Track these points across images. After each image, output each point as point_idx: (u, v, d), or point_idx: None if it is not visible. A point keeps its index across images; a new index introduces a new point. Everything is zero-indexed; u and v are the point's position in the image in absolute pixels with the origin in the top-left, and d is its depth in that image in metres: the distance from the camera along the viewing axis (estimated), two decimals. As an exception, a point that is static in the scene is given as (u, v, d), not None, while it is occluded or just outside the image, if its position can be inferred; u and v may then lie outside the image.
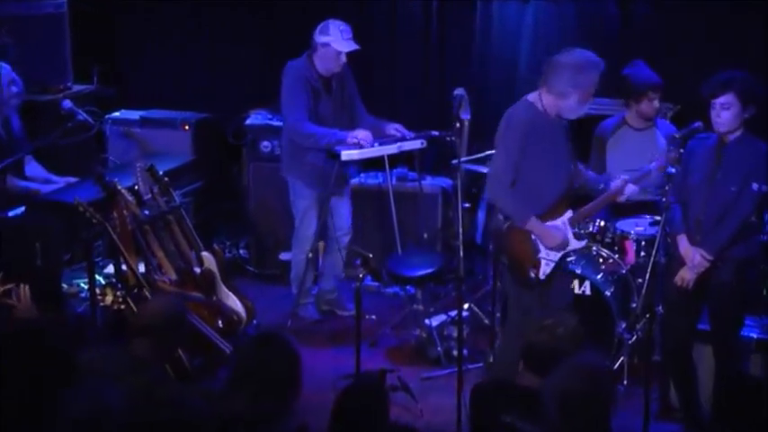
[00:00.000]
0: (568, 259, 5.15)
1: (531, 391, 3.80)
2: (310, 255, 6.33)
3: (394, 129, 6.28)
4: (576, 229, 5.18)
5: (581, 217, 5.19)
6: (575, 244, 5.09)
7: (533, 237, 4.99)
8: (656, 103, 5.96)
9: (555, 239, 4.97)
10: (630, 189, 5.20)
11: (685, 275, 5.03)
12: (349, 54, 6.08)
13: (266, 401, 3.51)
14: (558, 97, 4.88)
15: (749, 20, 6.60)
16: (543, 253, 4.99)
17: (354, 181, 6.69)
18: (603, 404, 3.47)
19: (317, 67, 6.11)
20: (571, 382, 3.45)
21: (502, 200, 5.03)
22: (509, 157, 4.91)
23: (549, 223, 4.99)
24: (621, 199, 5.26)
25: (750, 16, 6.59)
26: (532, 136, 4.88)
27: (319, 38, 6.07)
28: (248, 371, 3.57)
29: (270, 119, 7.13)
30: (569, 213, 5.05)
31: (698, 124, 5.11)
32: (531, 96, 4.98)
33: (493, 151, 5.42)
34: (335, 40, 6.02)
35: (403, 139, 6.22)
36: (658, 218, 5.40)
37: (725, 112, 4.87)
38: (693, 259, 5.00)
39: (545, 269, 5.01)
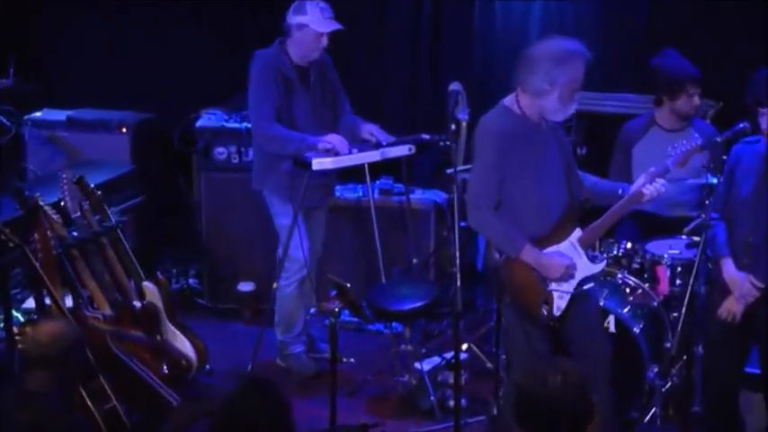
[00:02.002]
0: (585, 287, 5.11)
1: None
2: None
3: (367, 131, 6.23)
4: (591, 251, 5.12)
5: (594, 234, 5.11)
6: (589, 268, 5.04)
7: None
8: (697, 100, 5.97)
9: (557, 269, 4.93)
10: (651, 190, 5.02)
11: (732, 308, 5.02)
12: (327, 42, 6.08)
13: None
14: (534, 96, 4.86)
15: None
16: (554, 284, 4.97)
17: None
18: None
19: (291, 54, 6.10)
20: None
21: (487, 228, 5.01)
22: (489, 175, 4.88)
23: (548, 250, 4.95)
24: (646, 200, 5.13)
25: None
26: (512, 147, 4.86)
27: (294, 18, 6.05)
28: (234, 423, 3.66)
29: (225, 120, 7.12)
30: (577, 233, 5.01)
31: (743, 125, 5.11)
32: (507, 100, 4.97)
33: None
34: (314, 19, 6.01)
35: (378, 145, 6.17)
36: (697, 238, 5.39)
37: None
38: (741, 288, 4.98)
39: (559, 303, 4.97)
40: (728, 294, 5.04)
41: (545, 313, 4.96)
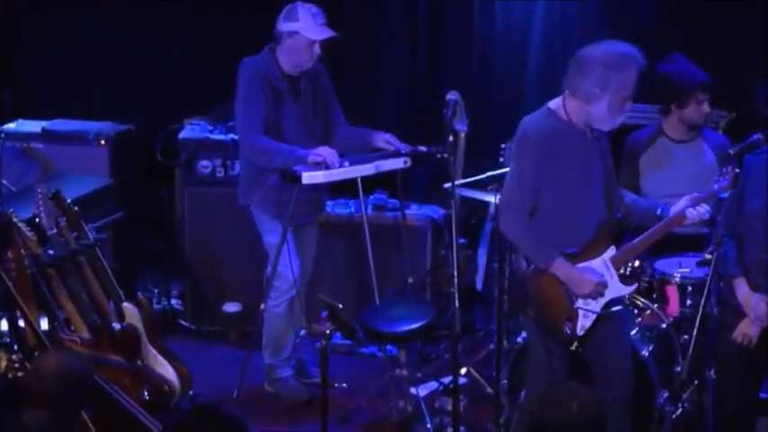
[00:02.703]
0: (613, 309, 5.11)
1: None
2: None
3: (383, 140, 6.22)
4: (623, 270, 5.12)
5: (628, 254, 5.13)
6: (620, 289, 5.06)
7: None
8: (706, 107, 5.98)
9: (588, 285, 4.95)
10: (694, 215, 5.06)
11: (746, 330, 5.03)
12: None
13: None
14: (584, 102, 4.89)
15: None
16: (580, 302, 4.99)
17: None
18: None
19: (281, 63, 6.09)
20: None
21: (518, 235, 5.02)
22: (525, 181, 4.91)
23: (581, 265, 4.98)
24: (687, 224, 5.14)
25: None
26: (554, 152, 4.88)
27: (285, 25, 6.05)
28: None
29: (210, 131, 7.11)
30: (611, 251, 5.04)
31: (757, 137, 5.11)
32: (554, 103, 4.99)
33: (498, 172, 5.43)
34: (306, 26, 6.00)
35: (397, 153, 6.14)
36: (709, 256, 5.40)
37: None
38: (756, 309, 4.99)
39: (583, 322, 4.99)
40: (742, 316, 5.05)
41: (567, 331, 4.98)
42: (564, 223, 4.94)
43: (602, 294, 4.98)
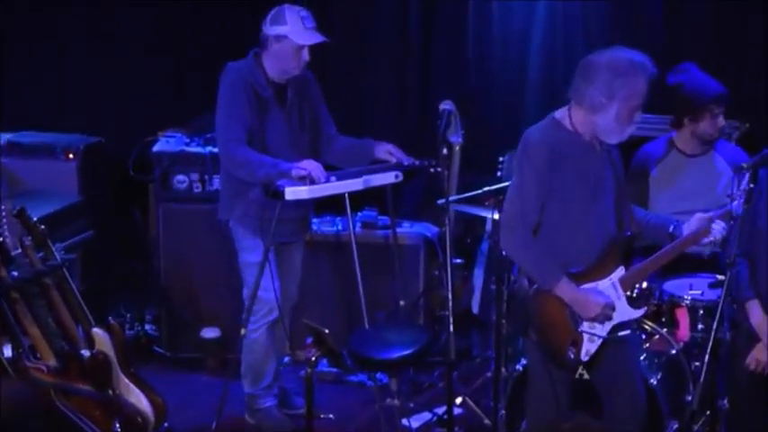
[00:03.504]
0: (621, 333, 5.09)
1: None
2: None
3: (385, 151, 6.23)
4: (631, 293, 5.13)
5: (638, 275, 5.11)
6: (628, 313, 5.04)
7: None
8: (721, 120, 5.99)
9: (593, 308, 4.95)
10: (712, 232, 5.06)
11: (760, 356, 5.03)
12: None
13: None
14: (590, 111, 4.89)
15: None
16: (586, 325, 4.98)
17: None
18: None
19: (267, 69, 6.09)
20: None
21: (520, 254, 5.02)
22: (528, 195, 4.91)
23: (587, 285, 4.98)
24: (703, 244, 5.14)
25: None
26: (559, 165, 4.88)
27: (272, 29, 6.04)
28: None
29: (186, 144, 7.11)
30: (620, 271, 5.04)
31: (772, 149, 5.14)
32: (559, 113, 4.99)
33: (496, 186, 5.42)
34: (294, 30, 6.00)
35: (399, 165, 6.12)
36: (721, 277, 5.40)
37: None
38: (770, 333, 5.01)
39: (588, 347, 4.98)
40: (756, 341, 5.05)
41: (571, 356, 4.97)
42: (569, 240, 4.94)
43: (609, 318, 4.98)
